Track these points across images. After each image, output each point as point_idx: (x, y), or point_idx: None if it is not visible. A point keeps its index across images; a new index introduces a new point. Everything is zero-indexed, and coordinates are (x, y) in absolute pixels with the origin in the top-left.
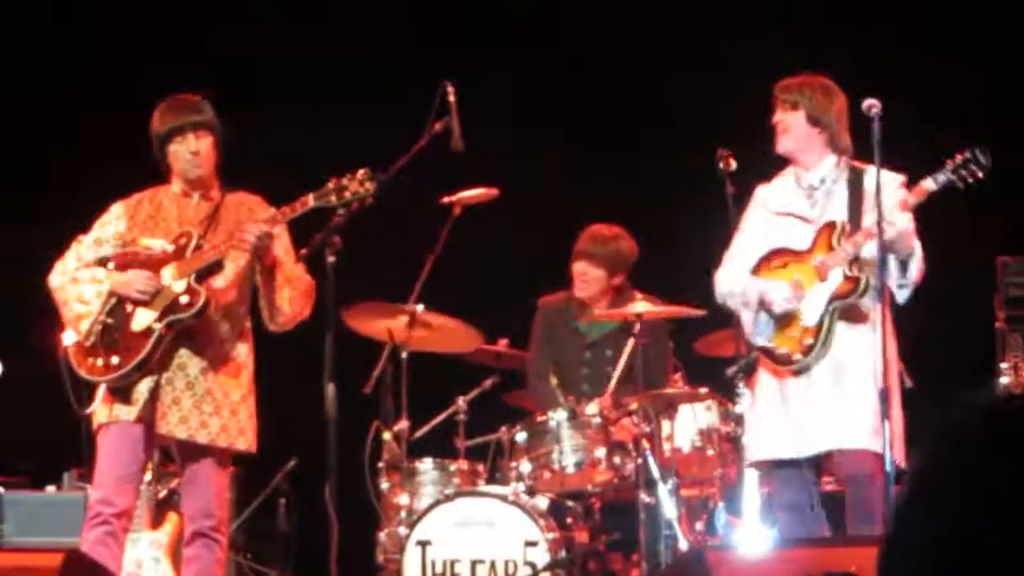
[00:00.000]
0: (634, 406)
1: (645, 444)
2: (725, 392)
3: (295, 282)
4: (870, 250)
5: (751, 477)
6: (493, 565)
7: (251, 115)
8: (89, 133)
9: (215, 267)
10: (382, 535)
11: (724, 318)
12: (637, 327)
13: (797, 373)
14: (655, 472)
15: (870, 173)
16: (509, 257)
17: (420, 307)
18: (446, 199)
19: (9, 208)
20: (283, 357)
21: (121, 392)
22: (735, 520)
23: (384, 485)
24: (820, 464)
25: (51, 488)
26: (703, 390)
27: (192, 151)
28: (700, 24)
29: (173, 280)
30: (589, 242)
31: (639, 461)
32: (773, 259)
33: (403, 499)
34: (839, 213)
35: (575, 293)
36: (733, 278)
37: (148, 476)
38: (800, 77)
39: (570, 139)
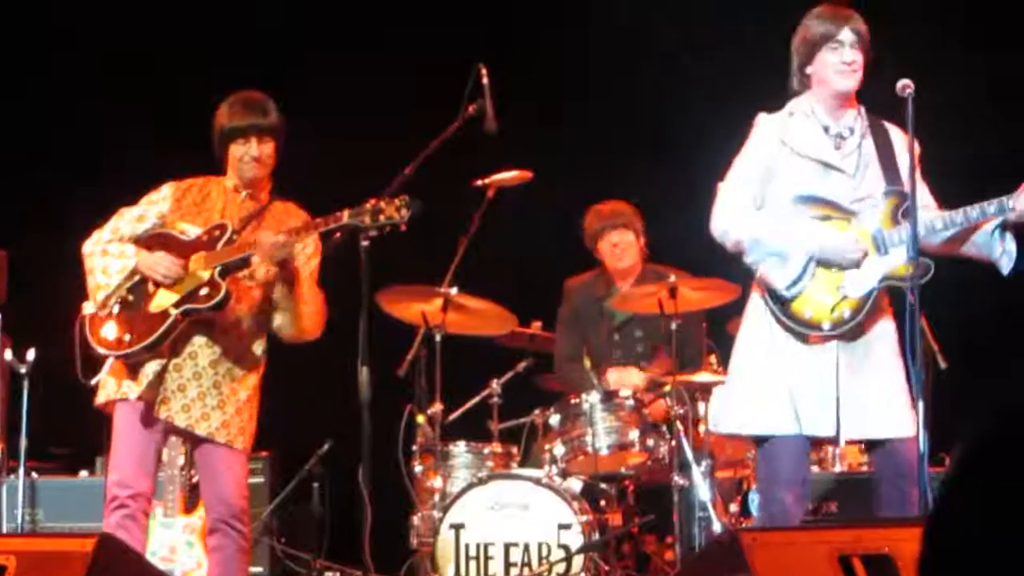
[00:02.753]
0: (668, 388)
1: (679, 426)
2: None
3: (317, 299)
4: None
5: None
6: (527, 548)
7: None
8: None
9: (242, 264)
10: (416, 518)
11: None
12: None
13: (821, 343)
14: (689, 454)
15: (893, 132)
16: (543, 240)
17: (454, 290)
18: (480, 182)
19: (46, 202)
20: (317, 341)
21: (130, 369)
22: None
23: (418, 468)
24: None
25: (84, 473)
26: None
27: (253, 156)
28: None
29: (199, 269)
30: (610, 215)
31: (673, 443)
32: (808, 207)
33: (436, 482)
34: (872, 171)
35: (616, 265)
36: (754, 219)
37: (181, 460)
38: (847, 8)
39: (604, 120)
